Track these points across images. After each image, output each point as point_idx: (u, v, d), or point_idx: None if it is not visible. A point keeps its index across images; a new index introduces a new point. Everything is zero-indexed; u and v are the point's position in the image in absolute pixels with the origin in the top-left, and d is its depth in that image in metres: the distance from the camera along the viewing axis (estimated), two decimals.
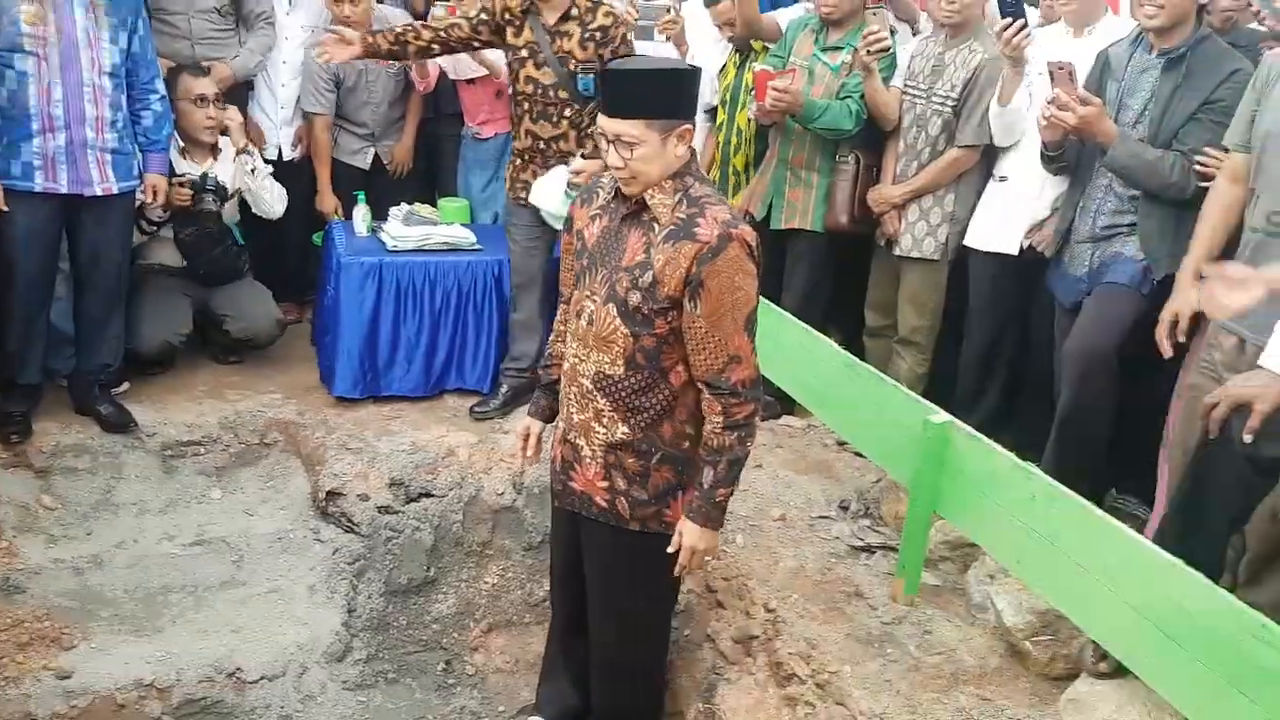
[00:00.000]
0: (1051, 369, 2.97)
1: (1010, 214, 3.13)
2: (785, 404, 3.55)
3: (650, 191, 1.99)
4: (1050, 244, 2.97)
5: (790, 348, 2.95)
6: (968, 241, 3.24)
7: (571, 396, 2.17)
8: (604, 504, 2.17)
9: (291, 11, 3.92)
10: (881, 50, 3.19)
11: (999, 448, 2.32)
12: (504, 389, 3.60)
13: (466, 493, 3.22)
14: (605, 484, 2.15)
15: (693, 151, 2.03)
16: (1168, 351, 2.49)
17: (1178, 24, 2.59)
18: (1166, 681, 1.93)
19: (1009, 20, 2.82)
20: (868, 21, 3.28)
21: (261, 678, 2.71)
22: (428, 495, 3.22)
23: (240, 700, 2.68)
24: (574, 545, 2.30)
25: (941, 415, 2.44)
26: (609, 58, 3.16)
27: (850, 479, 3.21)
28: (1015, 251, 3.11)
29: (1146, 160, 2.60)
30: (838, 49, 3.35)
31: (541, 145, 3.34)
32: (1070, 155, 2.86)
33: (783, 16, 3.65)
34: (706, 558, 2.15)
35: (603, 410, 2.10)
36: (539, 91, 3.26)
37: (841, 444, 3.38)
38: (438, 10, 3.59)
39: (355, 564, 3.08)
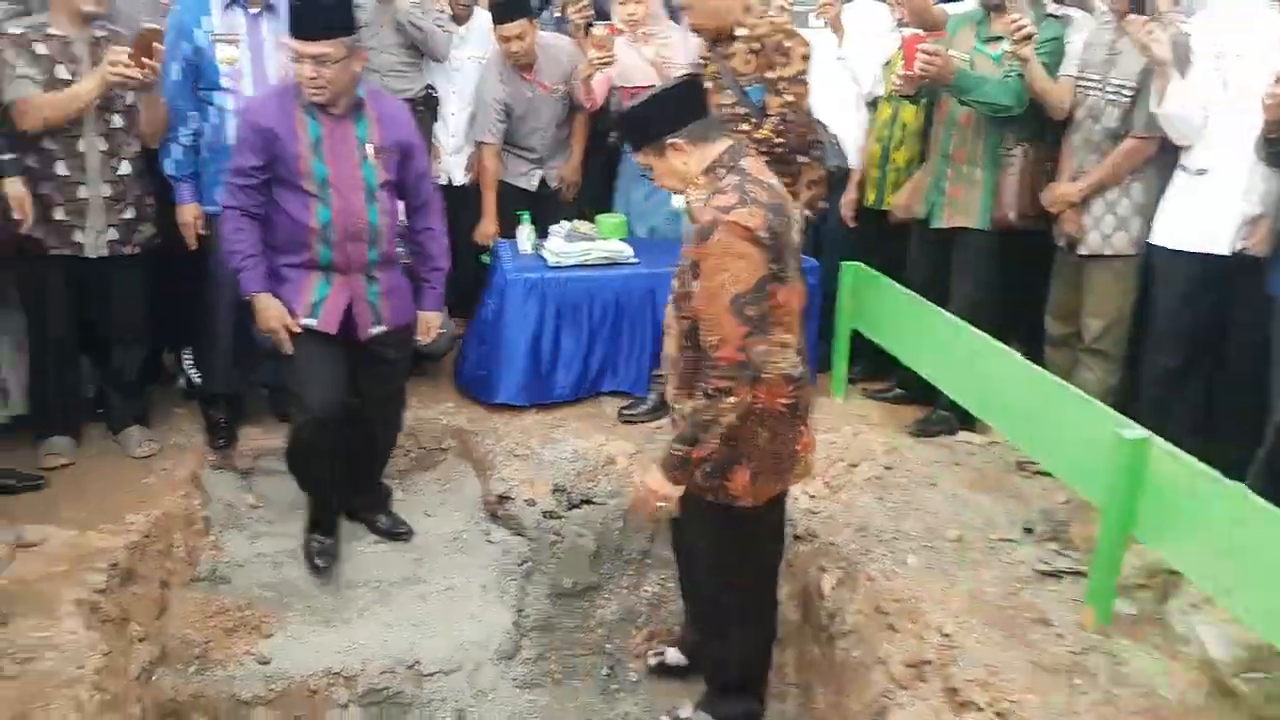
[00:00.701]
0: (1256, 377, 2.71)
1: (1214, 210, 2.87)
2: (963, 419, 3.39)
3: (687, 190, 2.24)
4: (1265, 242, 2.71)
5: (963, 356, 2.83)
6: (1156, 240, 3.01)
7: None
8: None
9: (460, 45, 4.08)
10: (1025, 37, 3.03)
11: (1202, 465, 2.14)
12: (652, 395, 3.65)
13: (626, 501, 3.26)
14: None
15: (735, 146, 2.21)
16: None
17: None
18: None
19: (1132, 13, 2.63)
20: (1008, 9, 3.12)
21: (438, 671, 2.83)
22: (589, 502, 3.29)
23: (419, 692, 2.81)
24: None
25: (1137, 430, 2.28)
26: (765, 66, 3.17)
27: (1035, 498, 3.02)
28: (1226, 251, 2.85)
29: None
30: (998, 39, 3.20)
31: None
32: None
33: (955, 10, 3.53)
34: (660, 504, 2.28)
35: (674, 390, 2.32)
36: (722, 113, 3.27)
37: (1024, 463, 3.19)
38: (597, 30, 3.67)
39: (523, 565, 3.18)
